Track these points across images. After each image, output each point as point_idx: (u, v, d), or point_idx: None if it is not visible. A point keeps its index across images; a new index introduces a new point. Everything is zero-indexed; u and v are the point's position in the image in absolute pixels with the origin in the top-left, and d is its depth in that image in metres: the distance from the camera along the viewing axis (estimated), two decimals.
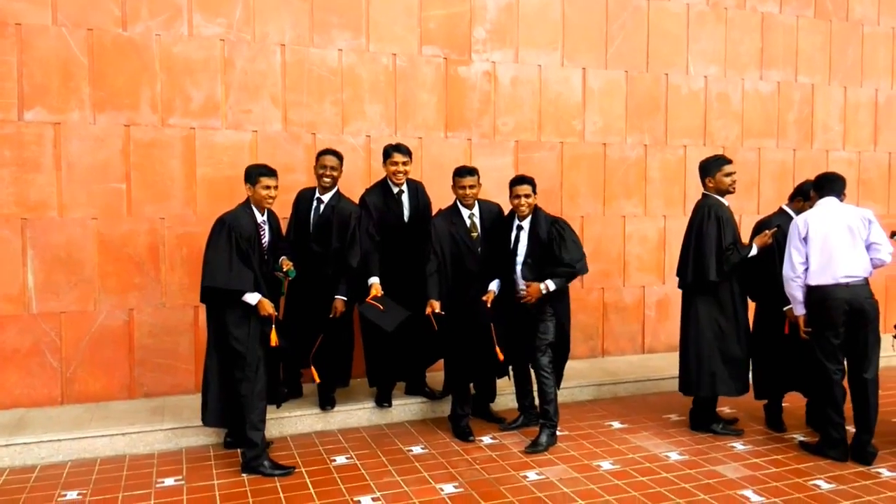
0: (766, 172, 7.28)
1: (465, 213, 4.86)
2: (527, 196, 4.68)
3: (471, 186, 4.81)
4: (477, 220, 4.88)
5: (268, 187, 4.29)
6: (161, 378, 5.37)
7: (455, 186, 4.87)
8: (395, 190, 5.06)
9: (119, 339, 5.27)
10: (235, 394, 4.24)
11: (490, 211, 4.97)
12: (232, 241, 4.14)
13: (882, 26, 7.65)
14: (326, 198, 4.92)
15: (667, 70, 6.85)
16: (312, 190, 5.02)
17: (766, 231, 4.81)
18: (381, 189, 5.10)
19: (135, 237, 5.29)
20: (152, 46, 5.29)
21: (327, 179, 4.89)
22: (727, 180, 4.84)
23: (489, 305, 4.69)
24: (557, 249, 4.61)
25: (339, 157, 4.98)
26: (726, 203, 4.88)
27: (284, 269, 4.32)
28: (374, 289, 4.79)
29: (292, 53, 5.63)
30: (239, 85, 5.52)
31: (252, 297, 4.17)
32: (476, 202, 4.90)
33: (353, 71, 5.80)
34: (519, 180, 4.75)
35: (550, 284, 4.58)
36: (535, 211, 4.77)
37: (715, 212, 4.75)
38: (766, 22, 7.20)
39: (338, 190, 4.97)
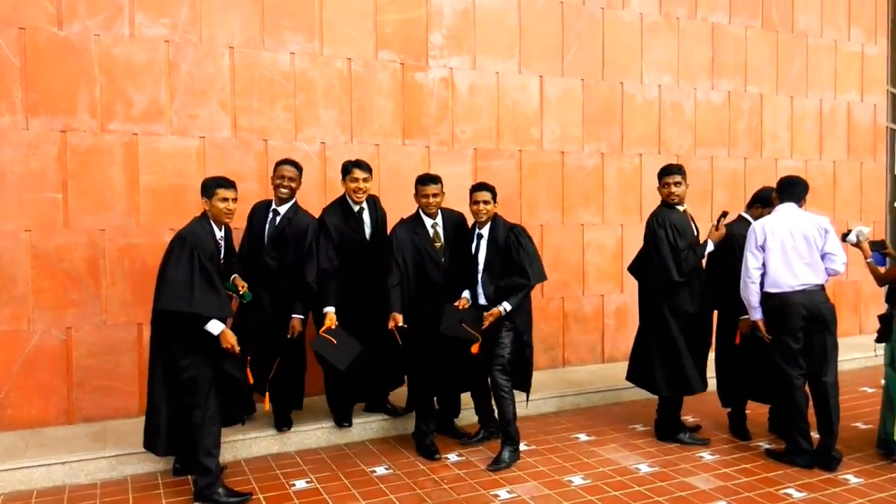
0: (719, 181, 7.36)
1: (427, 222, 4.69)
2: (486, 202, 4.56)
3: (434, 195, 4.64)
4: (440, 230, 4.72)
5: (225, 199, 4.00)
6: (102, 401, 5.01)
7: (418, 195, 4.70)
8: (356, 208, 4.82)
9: (56, 360, 4.90)
10: (186, 420, 3.95)
11: (453, 220, 4.82)
12: (195, 261, 3.81)
13: (825, 38, 7.86)
14: (283, 210, 4.68)
15: (622, 79, 6.85)
16: (269, 202, 4.77)
17: (717, 224, 4.84)
18: (341, 208, 4.84)
19: (72, 250, 4.94)
20: (91, 47, 4.97)
21: (284, 190, 4.65)
22: (663, 190, 4.89)
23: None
24: (515, 255, 4.51)
25: (299, 167, 4.75)
26: (683, 209, 4.89)
27: (241, 292, 4.03)
28: (329, 319, 4.53)
29: (242, 56, 5.38)
30: (185, 89, 5.23)
31: (215, 327, 3.85)
32: (439, 211, 4.74)
33: (306, 75, 5.58)
34: (478, 187, 4.65)
35: (507, 305, 4.47)
36: (495, 218, 4.65)
37: (665, 217, 4.77)
38: (717, 32, 7.29)
39: (295, 202, 4.74)
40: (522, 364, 4.63)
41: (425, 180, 4.68)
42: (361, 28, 5.77)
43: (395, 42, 5.90)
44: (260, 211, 4.78)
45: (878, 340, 4.84)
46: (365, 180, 4.75)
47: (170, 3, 5.16)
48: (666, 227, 4.73)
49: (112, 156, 5.04)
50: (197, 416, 3.89)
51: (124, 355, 5.07)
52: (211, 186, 4.03)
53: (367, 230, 4.86)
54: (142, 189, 5.11)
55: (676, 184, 4.82)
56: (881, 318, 4.73)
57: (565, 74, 6.59)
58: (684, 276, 4.70)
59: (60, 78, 4.90)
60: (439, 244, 4.69)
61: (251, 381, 4.15)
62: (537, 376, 5.99)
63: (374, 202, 4.97)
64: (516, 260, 4.51)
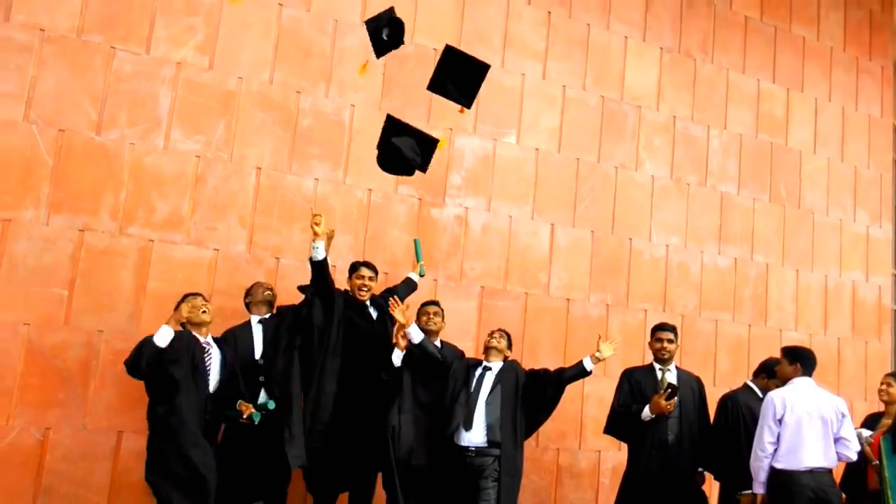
0: (723, 344, 7.31)
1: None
2: (500, 337, 4.92)
3: (435, 314, 4.91)
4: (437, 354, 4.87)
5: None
6: None
7: (419, 313, 4.96)
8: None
9: (28, 460, 4.71)
10: None
11: (453, 354, 4.94)
12: None
13: (831, 216, 8.08)
14: (266, 316, 4.91)
15: (631, 234, 7.00)
16: (247, 324, 4.89)
17: (662, 396, 4.70)
18: (347, 298, 4.92)
19: (67, 349, 4.88)
20: (124, 154, 5.17)
21: (269, 293, 4.95)
22: (655, 345, 5.04)
23: None
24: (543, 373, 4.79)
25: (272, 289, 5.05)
26: (660, 368, 4.97)
27: (247, 414, 3.98)
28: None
29: (267, 177, 5.57)
30: (208, 202, 5.38)
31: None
32: (440, 340, 4.93)
33: (326, 200, 5.75)
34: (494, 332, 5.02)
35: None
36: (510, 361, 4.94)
37: (628, 371, 5.16)
38: (725, 201, 7.53)
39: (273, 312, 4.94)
40: None
41: (427, 302, 5.04)
42: None
43: (415, 178, 6.06)
44: (239, 334, 4.81)
45: None
46: (370, 279, 4.92)
47: (207, 121, 5.42)
48: (622, 381, 5.10)
49: (125, 258, 5.10)
50: None
51: (99, 463, 4.87)
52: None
53: (374, 317, 4.93)
54: (148, 294, 5.12)
55: (669, 340, 4.96)
56: None
57: (576, 225, 6.76)
58: (610, 433, 5.19)
59: (89, 179, 5.06)
60: None
61: None
62: None
63: (374, 300, 5.00)
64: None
